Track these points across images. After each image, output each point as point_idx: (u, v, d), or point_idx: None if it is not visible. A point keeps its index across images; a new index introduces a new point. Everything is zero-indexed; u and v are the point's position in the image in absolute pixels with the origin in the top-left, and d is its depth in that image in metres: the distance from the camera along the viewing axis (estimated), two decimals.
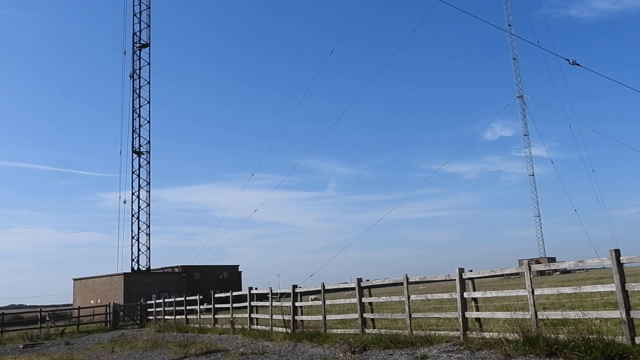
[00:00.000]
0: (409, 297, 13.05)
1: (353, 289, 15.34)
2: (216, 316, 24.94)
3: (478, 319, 11.54)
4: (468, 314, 11.45)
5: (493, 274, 11.74)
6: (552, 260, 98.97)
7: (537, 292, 10.19)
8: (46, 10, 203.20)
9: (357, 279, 15.02)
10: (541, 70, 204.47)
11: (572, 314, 9.83)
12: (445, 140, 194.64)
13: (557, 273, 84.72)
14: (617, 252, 8.74)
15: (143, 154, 56.96)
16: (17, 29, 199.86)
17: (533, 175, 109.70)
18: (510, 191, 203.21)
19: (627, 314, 8.52)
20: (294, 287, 18.31)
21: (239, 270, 69.64)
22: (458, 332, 11.43)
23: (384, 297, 14.41)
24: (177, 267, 63.68)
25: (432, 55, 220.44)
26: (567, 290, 10.05)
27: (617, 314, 8.73)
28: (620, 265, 8.70)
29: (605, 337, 8.30)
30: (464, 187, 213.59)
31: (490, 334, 10.51)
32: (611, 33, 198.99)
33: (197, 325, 25.71)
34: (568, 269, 22.57)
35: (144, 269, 56.76)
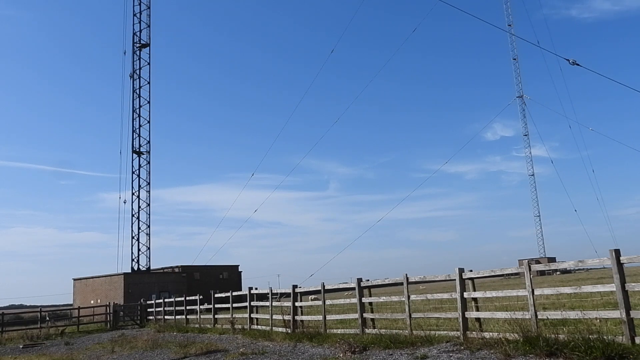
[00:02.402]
0: (409, 297, 13.04)
1: (353, 289, 15.33)
2: (216, 316, 24.94)
3: (478, 319, 11.52)
4: (468, 314, 11.44)
5: (493, 274, 11.73)
6: (552, 260, 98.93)
7: (537, 292, 10.17)
8: (46, 11, 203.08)
9: (357, 279, 15.01)
10: (541, 70, 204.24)
11: (572, 314, 9.82)
12: (446, 140, 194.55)
13: (557, 273, 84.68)
14: (617, 252, 8.74)
15: (143, 154, 56.97)
16: (18, 29, 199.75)
17: (533, 175, 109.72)
18: (511, 191, 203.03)
19: (627, 314, 8.52)
20: (294, 287, 18.30)
21: (239, 270, 69.68)
22: (458, 332, 11.42)
23: (384, 297, 14.40)
24: (177, 267, 63.70)
25: (432, 55, 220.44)
26: (567, 290, 10.03)
27: (617, 314, 8.72)
28: (620, 265, 8.69)
29: (605, 337, 8.29)
30: (464, 187, 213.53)
31: (490, 334, 10.50)
32: (612, 33, 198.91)
33: (197, 325, 25.70)
34: (568, 269, 22.64)
35: (144, 269, 56.73)
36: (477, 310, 11.54)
